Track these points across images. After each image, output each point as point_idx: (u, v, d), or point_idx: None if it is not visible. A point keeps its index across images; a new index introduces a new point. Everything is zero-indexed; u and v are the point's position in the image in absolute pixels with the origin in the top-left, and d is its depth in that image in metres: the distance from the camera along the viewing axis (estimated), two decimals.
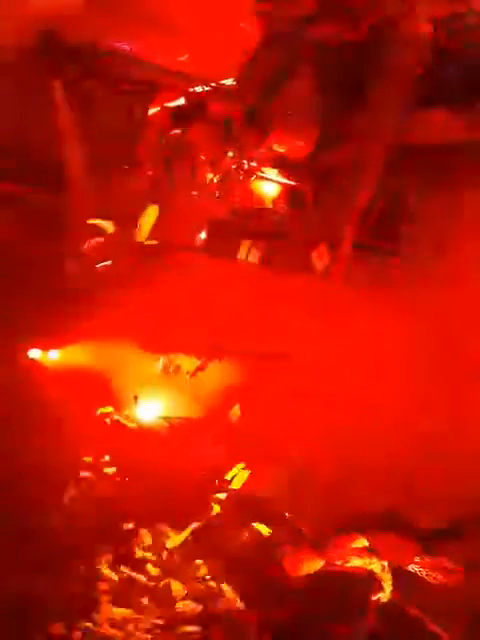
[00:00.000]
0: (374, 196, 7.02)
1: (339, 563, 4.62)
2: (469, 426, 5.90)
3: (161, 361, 10.01)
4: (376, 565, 4.56)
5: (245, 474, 7.38)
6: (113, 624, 6.07)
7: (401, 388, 6.52)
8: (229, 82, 8.12)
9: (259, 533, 6.71)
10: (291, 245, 7.95)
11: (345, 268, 7.19)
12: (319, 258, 7.34)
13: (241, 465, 7.47)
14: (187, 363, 9.46)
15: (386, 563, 4.58)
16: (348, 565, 4.63)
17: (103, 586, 6.54)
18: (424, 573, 4.92)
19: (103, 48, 8.29)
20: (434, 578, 4.93)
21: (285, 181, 7.77)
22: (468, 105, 6.42)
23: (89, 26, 7.81)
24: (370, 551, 4.60)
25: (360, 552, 4.58)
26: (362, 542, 4.63)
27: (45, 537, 7.24)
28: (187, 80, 8.67)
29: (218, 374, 8.89)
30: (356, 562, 4.60)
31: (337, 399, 7.03)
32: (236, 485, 7.35)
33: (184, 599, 6.32)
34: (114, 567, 6.83)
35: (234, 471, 7.46)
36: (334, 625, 5.74)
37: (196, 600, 6.27)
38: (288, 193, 7.85)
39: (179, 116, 8.88)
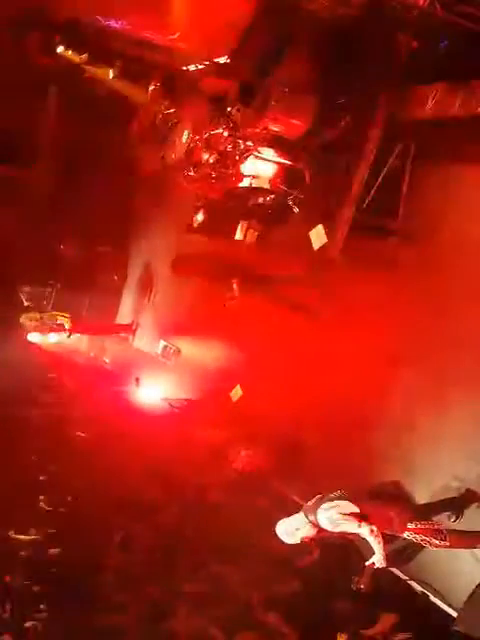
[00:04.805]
0: (371, 174, 6.95)
1: (329, 528, 4.67)
2: (459, 406, 5.96)
3: (161, 344, 10.10)
4: (365, 528, 4.61)
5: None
6: None
7: (396, 368, 6.55)
8: (223, 60, 7.99)
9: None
10: (288, 225, 7.92)
11: (343, 247, 7.16)
12: (316, 238, 7.30)
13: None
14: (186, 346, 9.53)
15: (375, 527, 4.63)
16: (337, 530, 4.67)
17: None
18: (419, 539, 4.98)
19: (94, 25, 8.14)
20: (430, 543, 4.99)
21: (281, 160, 7.70)
22: (464, 80, 6.32)
23: (79, 3, 7.68)
24: (359, 516, 4.65)
25: (348, 516, 4.62)
26: (350, 507, 4.66)
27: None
28: (180, 58, 8.53)
29: (217, 356, 8.95)
30: (344, 526, 4.65)
31: (332, 378, 7.09)
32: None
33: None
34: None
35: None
36: (337, 600, 5.89)
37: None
38: (285, 173, 7.78)
39: (173, 95, 8.76)
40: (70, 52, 8.63)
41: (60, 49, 8.49)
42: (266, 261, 8.39)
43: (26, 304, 10.84)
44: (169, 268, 10.18)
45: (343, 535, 4.83)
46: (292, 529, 4.77)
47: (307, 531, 4.75)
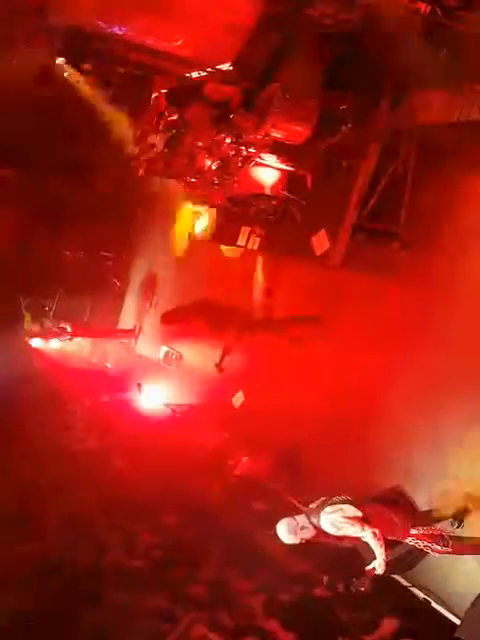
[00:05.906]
0: (373, 180, 6.97)
1: (332, 532, 4.65)
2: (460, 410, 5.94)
3: (163, 349, 10.11)
4: (368, 532, 4.60)
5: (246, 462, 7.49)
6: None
7: (396, 371, 6.54)
8: (226, 66, 8.03)
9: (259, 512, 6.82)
10: (291, 230, 7.93)
11: (345, 252, 7.17)
12: (319, 243, 7.31)
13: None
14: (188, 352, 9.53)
15: (377, 531, 4.61)
16: (340, 533, 4.65)
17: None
18: (421, 545, 4.96)
19: (99, 31, 8.19)
20: (432, 549, 4.97)
21: (284, 166, 7.72)
22: (466, 85, 6.34)
23: (84, 9, 7.73)
24: (362, 520, 4.63)
25: (352, 520, 4.61)
26: (354, 511, 4.65)
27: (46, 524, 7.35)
28: (184, 64, 8.57)
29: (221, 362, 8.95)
30: (347, 530, 4.63)
31: (333, 382, 7.08)
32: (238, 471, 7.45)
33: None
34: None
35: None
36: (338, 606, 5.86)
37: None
38: (287, 178, 7.81)
39: (176, 101, 8.81)
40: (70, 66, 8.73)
41: (60, 60, 8.59)
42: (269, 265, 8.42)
43: (27, 311, 10.88)
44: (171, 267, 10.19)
45: (344, 539, 4.80)
46: (293, 529, 4.75)
47: (307, 532, 4.73)
